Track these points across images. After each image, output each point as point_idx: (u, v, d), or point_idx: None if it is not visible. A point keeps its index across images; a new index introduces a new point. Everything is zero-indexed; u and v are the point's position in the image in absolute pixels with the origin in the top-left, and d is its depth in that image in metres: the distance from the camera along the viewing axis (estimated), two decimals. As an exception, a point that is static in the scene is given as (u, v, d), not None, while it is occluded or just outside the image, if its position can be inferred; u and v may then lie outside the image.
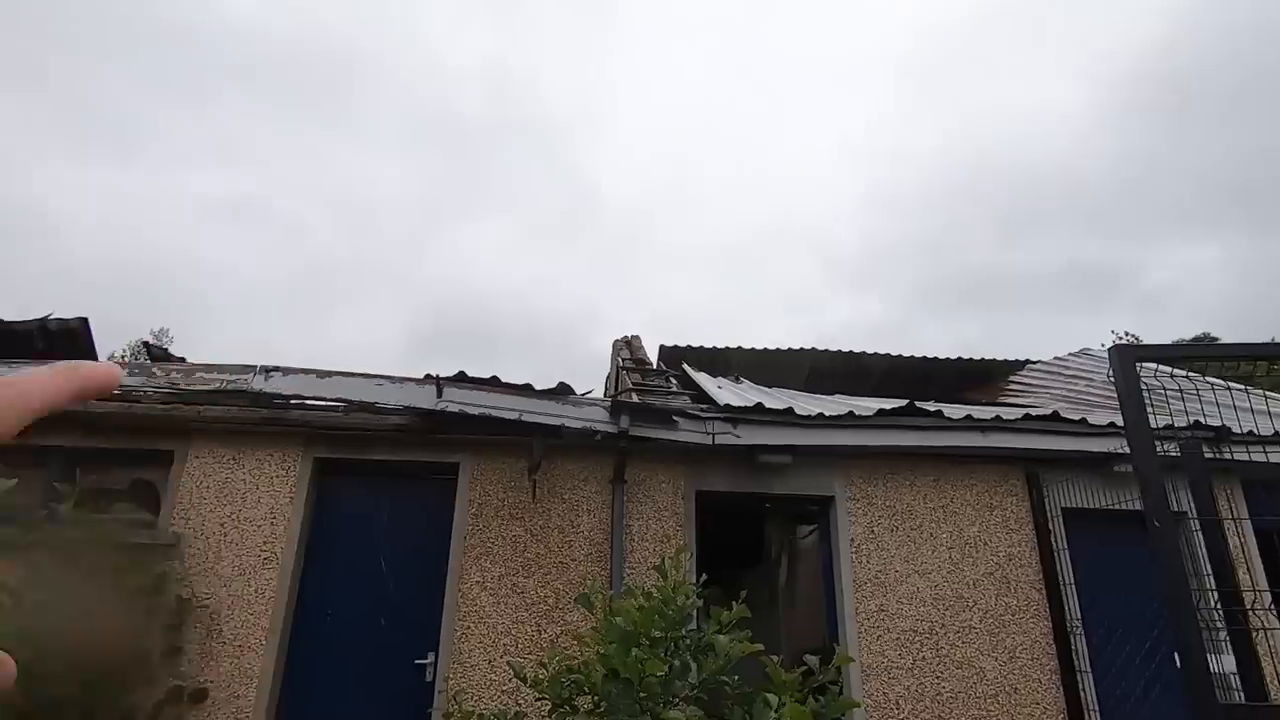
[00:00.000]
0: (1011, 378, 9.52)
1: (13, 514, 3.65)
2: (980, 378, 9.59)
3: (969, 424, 5.03)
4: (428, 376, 4.57)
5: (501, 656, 4.41)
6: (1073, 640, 4.75)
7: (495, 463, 4.86)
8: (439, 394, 4.49)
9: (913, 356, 9.19)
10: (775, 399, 5.46)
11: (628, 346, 8.10)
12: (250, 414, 4.68)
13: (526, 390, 4.62)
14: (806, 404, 5.43)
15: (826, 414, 4.90)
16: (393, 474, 4.93)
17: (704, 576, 3.56)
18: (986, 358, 9.45)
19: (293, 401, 4.71)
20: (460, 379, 4.59)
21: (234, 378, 4.46)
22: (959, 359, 9.30)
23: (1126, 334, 22.85)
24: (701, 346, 8.76)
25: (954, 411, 5.24)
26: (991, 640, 4.78)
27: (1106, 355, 9.12)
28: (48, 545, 3.67)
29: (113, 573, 3.96)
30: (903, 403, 5.21)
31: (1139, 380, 2.45)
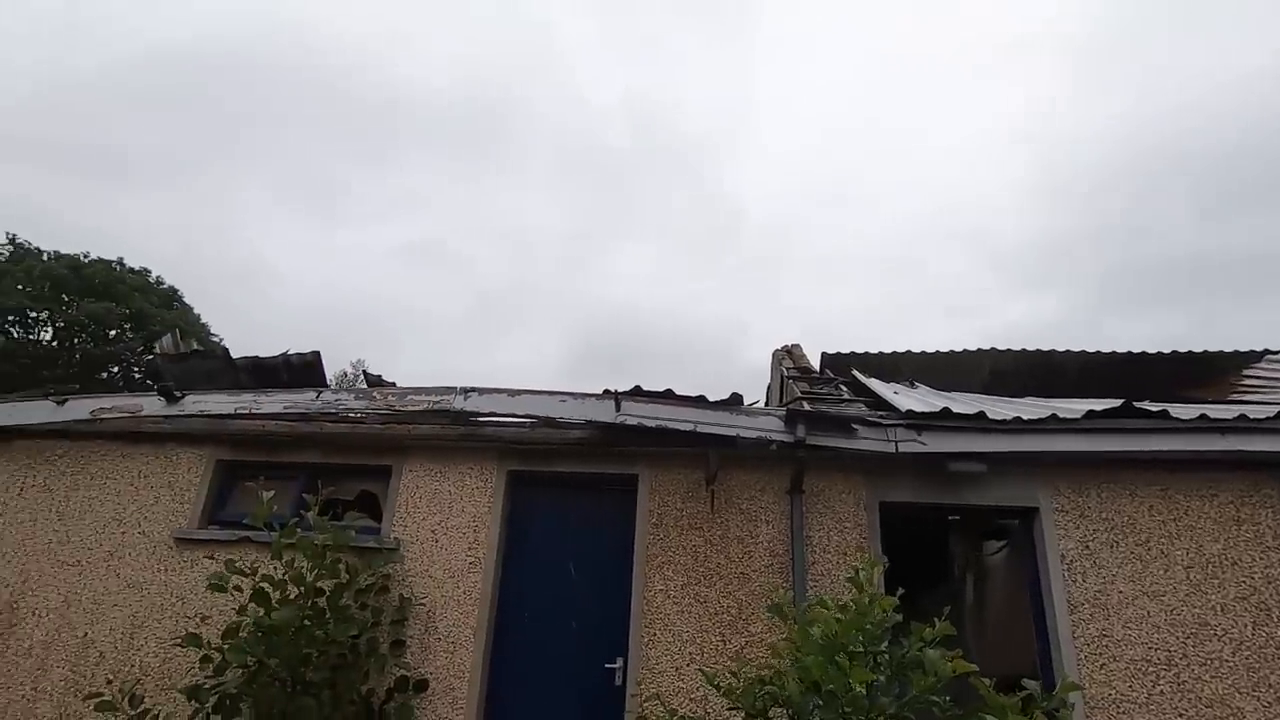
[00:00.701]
0: (1245, 372, 8.18)
1: (275, 519, 4.29)
2: (1202, 374, 8.32)
3: (1204, 425, 4.39)
4: (606, 391, 4.79)
5: (688, 664, 4.48)
6: (1364, 682, 3.96)
7: (672, 473, 4.98)
8: (617, 408, 4.68)
9: (1113, 353, 8.19)
10: (962, 403, 5.11)
11: (789, 355, 7.96)
12: (452, 431, 5.18)
13: (700, 402, 4.70)
14: (998, 408, 5.03)
15: (1024, 417, 4.51)
16: (577, 485, 5.21)
17: (901, 591, 3.41)
18: (1210, 350, 8.20)
19: (486, 419, 5.14)
20: (636, 393, 4.77)
21: (438, 399, 4.95)
22: (1173, 353, 8.15)
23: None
24: (866, 352, 8.40)
25: (1182, 411, 4.61)
26: (1250, 676, 4.10)
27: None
28: (301, 547, 4.26)
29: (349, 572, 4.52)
30: (1116, 402, 4.66)
31: None
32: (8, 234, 23.35)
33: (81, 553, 5.19)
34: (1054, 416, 4.50)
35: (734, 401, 4.71)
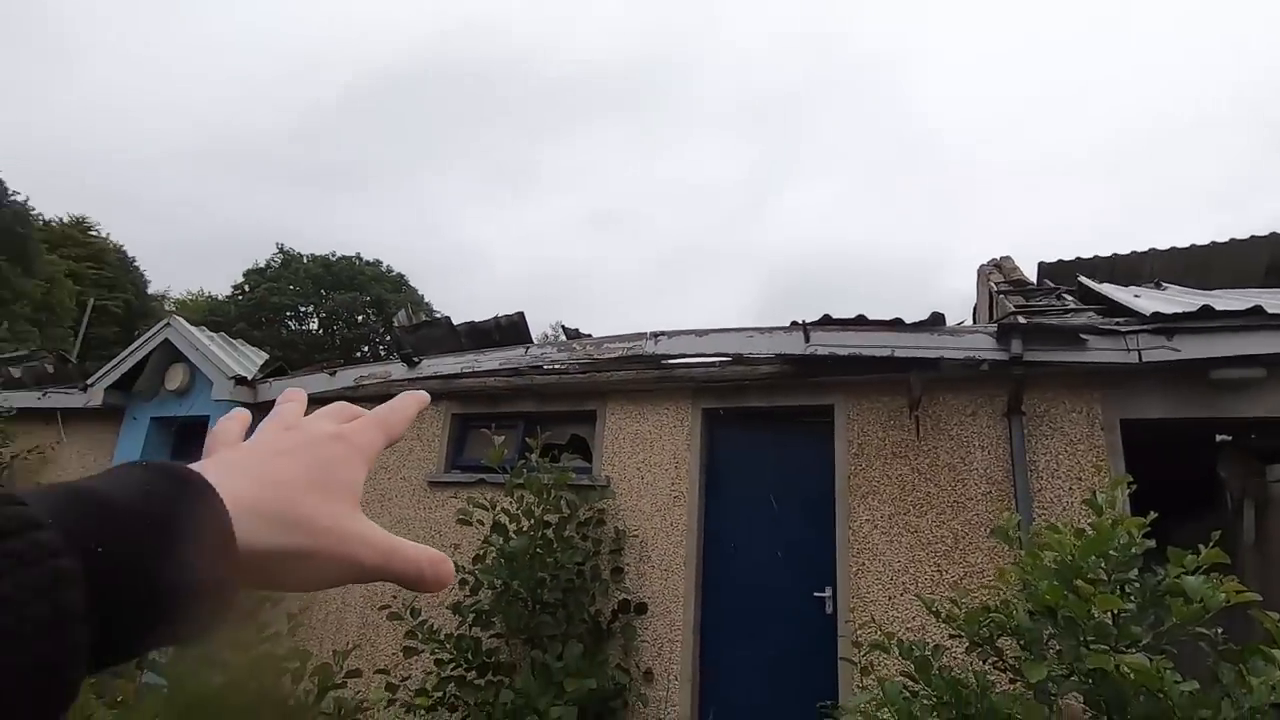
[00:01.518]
0: None
1: (506, 461, 4.84)
2: None
3: None
4: (794, 323, 4.70)
5: (901, 594, 4.38)
6: None
7: (871, 401, 4.79)
8: (806, 339, 4.59)
9: None
10: (1227, 301, 4.29)
11: (998, 269, 7.18)
12: (647, 375, 5.43)
13: (896, 325, 4.45)
14: (1278, 300, 4.15)
15: (1320, 308, 3.68)
16: (772, 419, 5.24)
17: (1153, 514, 3.01)
18: None
19: (678, 360, 5.31)
20: (826, 322, 4.63)
21: (631, 344, 5.21)
22: None
23: None
24: (1096, 256, 7.26)
25: None
26: None
27: None
28: (530, 485, 4.78)
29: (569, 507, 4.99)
30: None
31: None
32: (277, 244, 28.21)
33: (362, 495, 6.27)
34: (1366, 303, 3.61)
35: (935, 321, 4.39)
